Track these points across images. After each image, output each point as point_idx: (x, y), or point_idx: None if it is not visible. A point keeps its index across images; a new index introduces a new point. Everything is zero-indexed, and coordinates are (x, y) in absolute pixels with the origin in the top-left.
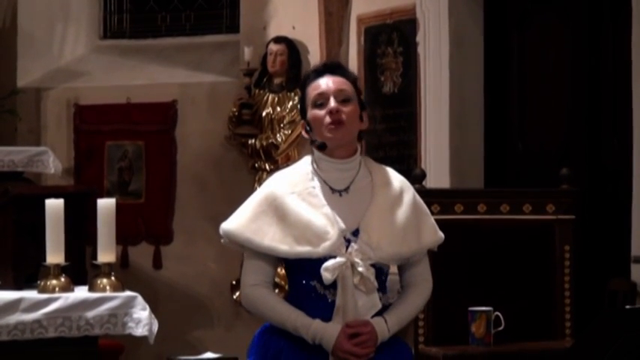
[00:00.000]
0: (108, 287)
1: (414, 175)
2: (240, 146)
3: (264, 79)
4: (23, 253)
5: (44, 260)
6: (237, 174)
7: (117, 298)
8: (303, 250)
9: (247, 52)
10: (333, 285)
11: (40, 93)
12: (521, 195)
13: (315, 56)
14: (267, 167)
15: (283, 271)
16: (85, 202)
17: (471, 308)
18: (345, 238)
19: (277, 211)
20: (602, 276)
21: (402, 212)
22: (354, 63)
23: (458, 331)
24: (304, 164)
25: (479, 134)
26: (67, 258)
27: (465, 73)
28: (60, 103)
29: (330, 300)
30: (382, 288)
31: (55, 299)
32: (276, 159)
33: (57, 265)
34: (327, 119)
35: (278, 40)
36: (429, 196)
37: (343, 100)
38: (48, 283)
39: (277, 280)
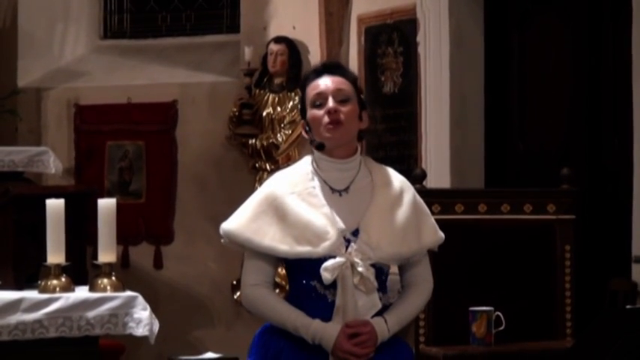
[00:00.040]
0: (108, 287)
1: (415, 175)
2: (240, 146)
3: (265, 79)
4: (24, 253)
5: (45, 260)
6: (238, 174)
7: (117, 298)
8: (302, 250)
9: (248, 52)
10: (333, 285)
11: (41, 93)
12: (522, 195)
13: (315, 56)
14: (268, 167)
15: (284, 271)
16: (86, 202)
17: (471, 308)
18: (344, 238)
19: (277, 211)
20: (602, 276)
21: (402, 212)
22: (354, 63)
23: (458, 331)
24: (304, 164)
25: (479, 134)
26: (67, 258)
27: (466, 73)
28: (60, 103)
29: (330, 300)
30: (382, 288)
31: (56, 299)
32: (276, 159)
33: (57, 265)
34: (326, 119)
35: (278, 40)
36: (429, 196)
37: (342, 100)
38: (49, 283)
39: (278, 280)
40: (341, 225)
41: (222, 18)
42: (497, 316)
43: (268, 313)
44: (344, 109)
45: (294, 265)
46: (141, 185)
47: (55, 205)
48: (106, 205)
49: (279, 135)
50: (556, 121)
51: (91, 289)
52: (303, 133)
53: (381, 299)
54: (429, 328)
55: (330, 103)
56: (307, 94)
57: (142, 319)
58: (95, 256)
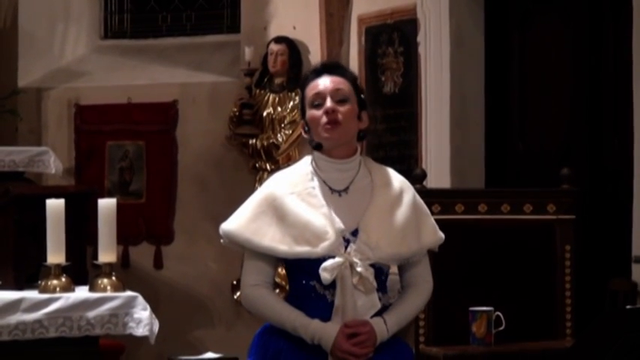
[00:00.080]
0: (109, 287)
1: (415, 175)
2: (240, 146)
3: (265, 79)
4: (24, 253)
5: (45, 260)
6: (238, 174)
7: (118, 298)
8: (302, 250)
9: (248, 52)
10: (333, 285)
11: (41, 93)
12: (522, 195)
13: (315, 56)
14: (268, 167)
15: (284, 271)
16: (86, 202)
17: (471, 308)
18: (344, 238)
19: (277, 211)
20: (602, 276)
21: (402, 212)
22: (354, 63)
23: (458, 331)
24: (304, 164)
25: (479, 134)
26: (67, 258)
27: (466, 73)
28: (61, 103)
29: (329, 300)
30: (382, 288)
31: (56, 299)
32: (276, 159)
33: (58, 265)
34: (324, 119)
35: (279, 40)
36: (429, 196)
37: (340, 99)
38: (49, 283)
39: (278, 280)
40: (340, 225)
41: (222, 18)
42: (498, 316)
43: (268, 313)
44: (342, 109)
45: (293, 265)
46: (141, 185)
47: (55, 205)
48: (107, 205)
49: (279, 135)
50: (556, 121)
51: (91, 289)
52: (303, 133)
53: (380, 299)
54: (429, 328)
55: (328, 103)
56: (306, 94)
57: (142, 319)
58: (95, 256)
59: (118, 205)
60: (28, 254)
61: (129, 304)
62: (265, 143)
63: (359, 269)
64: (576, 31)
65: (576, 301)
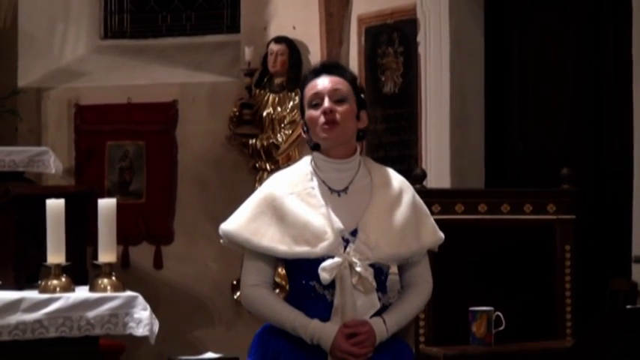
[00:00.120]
0: (109, 287)
1: (415, 175)
2: (240, 146)
3: (265, 79)
4: (24, 253)
5: (45, 260)
6: (238, 174)
7: (118, 298)
8: (301, 250)
9: (248, 52)
10: (332, 285)
11: (41, 93)
12: (522, 195)
13: (315, 56)
14: (268, 167)
15: (284, 271)
16: (86, 202)
17: (471, 308)
18: (343, 238)
19: (276, 211)
20: (602, 276)
21: (401, 212)
22: (354, 63)
23: (459, 331)
24: (304, 164)
25: (479, 134)
26: (67, 258)
27: (466, 73)
28: (61, 103)
29: (329, 300)
30: (382, 288)
31: (56, 299)
32: (276, 159)
33: (58, 265)
34: (322, 119)
35: (279, 40)
36: (429, 196)
37: (338, 99)
38: (49, 283)
39: (278, 280)
40: (339, 225)
41: (222, 18)
42: (498, 316)
43: (267, 313)
44: (340, 108)
45: (293, 265)
46: (141, 185)
47: (55, 205)
48: (106, 205)
49: (279, 135)
50: (556, 121)
51: (91, 289)
52: (302, 133)
53: (380, 299)
54: (429, 328)
55: (326, 103)
56: (305, 94)
57: (142, 319)
58: (95, 256)
59: (118, 205)
60: (28, 254)
61: (129, 304)
62: (265, 143)
63: (358, 269)
64: (576, 31)
65: (576, 301)
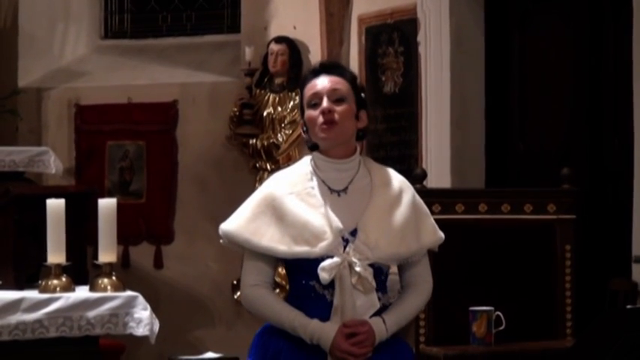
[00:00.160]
0: (109, 287)
1: (415, 175)
2: (241, 146)
3: (265, 79)
4: (24, 253)
5: (45, 260)
6: (238, 174)
7: (118, 297)
8: (300, 250)
9: (248, 52)
10: (332, 285)
11: (41, 93)
12: (522, 195)
13: (316, 56)
14: (268, 167)
15: (284, 271)
16: (86, 202)
17: (471, 308)
18: (343, 238)
19: (276, 211)
20: (603, 276)
21: (401, 212)
22: (355, 63)
23: (459, 330)
24: (303, 164)
25: (480, 134)
26: (68, 258)
27: (466, 72)
28: (61, 103)
29: (329, 300)
30: (382, 288)
31: (56, 299)
32: (277, 159)
33: (58, 265)
34: (320, 119)
35: (279, 40)
36: (429, 195)
37: (337, 99)
38: (49, 282)
39: (278, 280)
40: (339, 225)
41: (222, 18)
42: (498, 315)
43: (267, 313)
44: (339, 108)
45: (293, 265)
46: (141, 185)
47: (55, 205)
48: (107, 205)
49: (279, 135)
50: (557, 121)
51: (92, 289)
52: (302, 133)
53: (380, 299)
54: (429, 328)
55: (325, 103)
56: (304, 94)
57: (143, 319)
58: (95, 256)
59: (118, 205)
60: (29, 254)
61: (129, 303)
62: (265, 143)
63: (357, 269)
64: (576, 31)
65: (576, 301)
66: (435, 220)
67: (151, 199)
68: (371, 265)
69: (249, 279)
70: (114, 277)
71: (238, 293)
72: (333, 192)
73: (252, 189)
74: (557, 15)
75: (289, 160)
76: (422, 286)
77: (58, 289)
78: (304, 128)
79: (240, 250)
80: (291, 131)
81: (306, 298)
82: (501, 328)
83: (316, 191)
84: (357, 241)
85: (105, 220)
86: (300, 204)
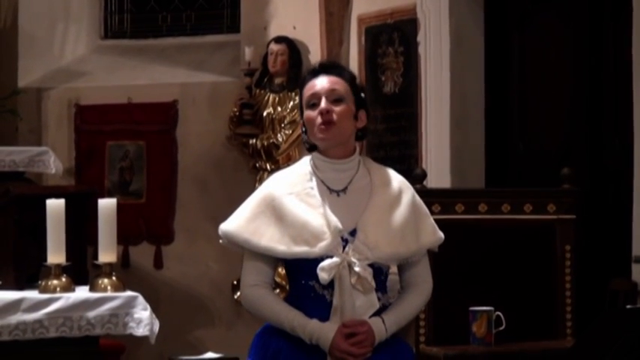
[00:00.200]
0: (109, 287)
1: (415, 175)
2: (241, 146)
3: (265, 79)
4: (24, 253)
5: (45, 260)
6: (238, 174)
7: (118, 298)
8: (300, 250)
9: (248, 52)
10: (332, 285)
11: (41, 93)
12: (522, 195)
13: (315, 56)
14: (268, 167)
15: (284, 271)
16: (86, 202)
17: (471, 308)
18: (342, 238)
19: (275, 211)
20: (603, 276)
21: (400, 212)
22: (354, 63)
23: (459, 330)
24: (303, 165)
25: (480, 134)
26: (68, 258)
27: (466, 72)
28: (61, 103)
29: (328, 300)
30: (382, 288)
31: (56, 299)
32: (277, 159)
33: (58, 265)
34: (319, 120)
35: (279, 40)
36: (429, 195)
37: (335, 99)
38: (49, 283)
39: (278, 280)
40: (338, 225)
41: (222, 18)
42: (498, 315)
43: (267, 313)
44: (337, 109)
45: (292, 265)
46: (141, 185)
47: (55, 205)
48: (107, 205)
49: (279, 135)
50: (556, 121)
51: (92, 289)
52: (302, 133)
53: (380, 299)
54: (429, 328)
55: (323, 103)
56: (303, 94)
57: (143, 319)
58: (96, 256)
59: (118, 205)
60: (29, 254)
61: (129, 304)
62: (265, 143)
63: (357, 269)
64: (576, 30)
65: (577, 301)
66: (435, 220)
67: (151, 199)
68: (370, 265)
69: (248, 279)
70: (114, 278)
71: (238, 293)
72: (332, 192)
73: (252, 189)
74: (557, 15)
75: (289, 160)
76: (422, 286)
77: (58, 289)
78: (304, 128)
79: (240, 251)
80: (291, 131)
81: (306, 298)
82: (501, 328)
83: (315, 191)
84: (356, 241)
85: (105, 220)
86: (300, 204)
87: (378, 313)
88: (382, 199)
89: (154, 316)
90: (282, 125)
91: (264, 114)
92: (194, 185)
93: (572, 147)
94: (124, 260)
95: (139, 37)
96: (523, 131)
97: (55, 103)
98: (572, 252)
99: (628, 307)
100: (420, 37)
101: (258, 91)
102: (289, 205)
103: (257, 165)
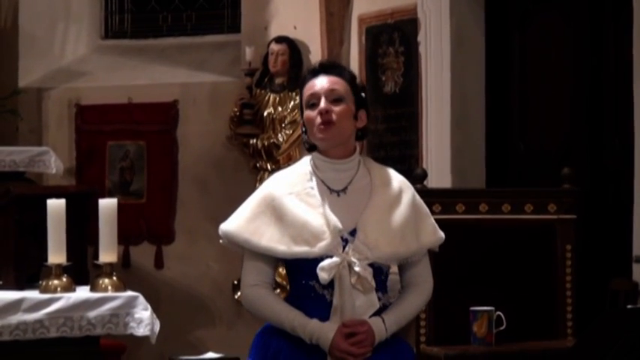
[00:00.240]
0: (109, 287)
1: (416, 175)
2: (241, 146)
3: (266, 79)
4: (25, 253)
5: (46, 260)
6: (239, 174)
7: (118, 298)
8: (300, 250)
9: (248, 52)
10: (332, 285)
11: (42, 93)
12: (523, 195)
13: (316, 56)
14: (269, 167)
15: (284, 271)
16: (87, 202)
17: (472, 308)
18: (342, 238)
19: (275, 211)
20: (603, 276)
21: (400, 212)
22: (355, 63)
23: (459, 330)
24: (303, 165)
25: (480, 134)
26: (68, 258)
27: (467, 72)
28: (61, 103)
29: (329, 300)
30: (382, 288)
31: (57, 299)
32: (277, 159)
33: (59, 265)
34: (318, 120)
35: (279, 39)
36: (430, 195)
37: (335, 99)
38: (50, 283)
39: (279, 280)
40: (338, 225)
41: (223, 18)
42: (498, 315)
43: (267, 313)
44: (336, 109)
45: (292, 265)
46: (142, 185)
47: (56, 205)
48: (107, 205)
49: (279, 135)
50: (557, 121)
51: (92, 289)
52: (302, 133)
53: (380, 299)
54: (429, 327)
55: (322, 103)
56: (303, 94)
57: (143, 319)
58: (96, 256)
59: (119, 205)
60: (29, 254)
61: (130, 304)
62: (266, 143)
63: (357, 269)
64: (577, 30)
65: (577, 301)
66: (436, 220)
67: (152, 199)
68: (370, 265)
69: (248, 279)
70: (114, 277)
71: (239, 293)
72: (332, 192)
73: (253, 189)
74: (558, 15)
75: (290, 160)
76: (422, 286)
77: (58, 289)
78: (303, 128)
79: (240, 251)
80: (291, 131)
81: (306, 298)
82: (502, 328)
83: (315, 191)
84: (356, 241)
85: (105, 220)
86: (300, 204)
87: (378, 312)
88: (382, 199)
89: (154, 316)
90: (283, 125)
91: (265, 114)
92: (194, 185)
93: (572, 147)
94: (125, 260)
95: (139, 37)
96: (523, 131)
97: (55, 103)
98: (572, 252)
99: (628, 307)
100: (420, 37)
101: (258, 91)
102: (289, 205)
103: (257, 165)
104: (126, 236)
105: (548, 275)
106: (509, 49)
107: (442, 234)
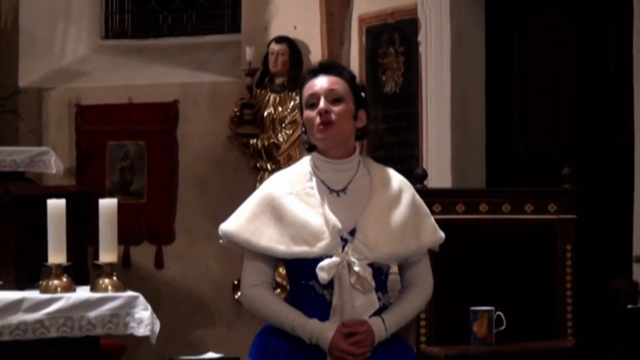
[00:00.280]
0: (110, 287)
1: (416, 175)
2: (241, 146)
3: (266, 79)
4: (25, 253)
5: (46, 260)
6: (239, 174)
7: (119, 298)
8: (299, 250)
9: (249, 52)
10: (332, 285)
11: (42, 93)
12: (523, 195)
13: (316, 56)
14: (269, 167)
15: (284, 270)
16: (87, 202)
17: (472, 308)
18: (342, 238)
19: (275, 211)
20: (603, 276)
21: (400, 212)
22: (355, 63)
23: (459, 330)
24: (303, 165)
25: (480, 134)
26: (68, 258)
27: (467, 72)
28: (61, 103)
29: (328, 300)
30: (382, 288)
31: (57, 299)
32: (277, 159)
33: (59, 265)
34: (317, 120)
35: (279, 39)
36: (430, 195)
37: (334, 99)
38: (50, 283)
39: (279, 280)
40: (337, 225)
41: (223, 18)
42: (498, 315)
43: (267, 313)
44: (336, 109)
45: (292, 265)
46: (142, 185)
47: (56, 205)
48: (107, 205)
49: (280, 135)
50: (557, 121)
51: (92, 289)
52: (302, 133)
53: (380, 299)
54: (430, 327)
55: (321, 103)
56: (303, 94)
57: (143, 319)
58: (96, 256)
59: (119, 205)
60: (29, 254)
61: (130, 304)
62: (266, 143)
63: (356, 269)
64: (577, 30)
65: (577, 301)
66: (436, 220)
67: (152, 199)
68: (370, 265)
69: (248, 279)
70: (115, 278)
71: (239, 293)
72: (332, 192)
73: (253, 189)
74: (558, 15)
75: (290, 160)
76: (422, 285)
77: (58, 289)
78: (303, 128)
79: (240, 251)
80: (291, 131)
81: (306, 298)
82: (502, 328)
83: (315, 191)
84: (355, 241)
85: (105, 220)
86: (300, 204)
87: (378, 312)
88: (382, 199)
89: (154, 316)
90: (283, 125)
91: (265, 114)
92: (195, 185)
93: (572, 147)
94: (125, 260)
95: (139, 37)
96: (523, 131)
97: (55, 103)
98: (572, 252)
99: (629, 307)
100: (420, 37)
101: (258, 91)
102: (289, 205)
103: (257, 165)
104: (126, 236)
105: (548, 275)
106: (509, 49)
107: (442, 234)
